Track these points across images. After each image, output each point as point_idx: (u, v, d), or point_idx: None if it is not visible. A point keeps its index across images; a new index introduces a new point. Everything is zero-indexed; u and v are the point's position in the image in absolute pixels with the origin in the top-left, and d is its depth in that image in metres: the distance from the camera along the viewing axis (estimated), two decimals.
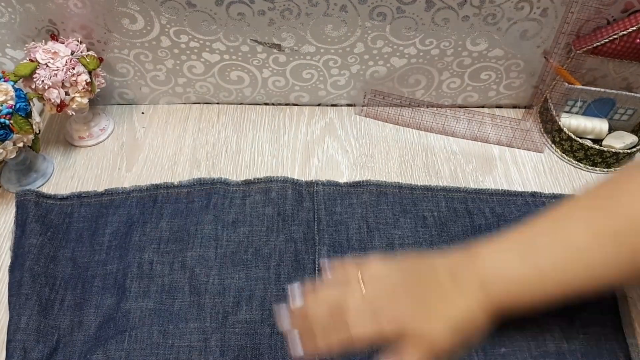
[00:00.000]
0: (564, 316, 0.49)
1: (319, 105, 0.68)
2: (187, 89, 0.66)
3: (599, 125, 0.62)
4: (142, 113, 0.67)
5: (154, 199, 0.56)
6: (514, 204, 0.56)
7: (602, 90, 0.60)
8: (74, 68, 0.55)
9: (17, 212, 0.54)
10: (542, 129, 0.65)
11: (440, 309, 0.38)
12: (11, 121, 0.50)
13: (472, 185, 0.59)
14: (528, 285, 0.39)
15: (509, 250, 0.40)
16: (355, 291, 0.38)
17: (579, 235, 0.39)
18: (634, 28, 0.55)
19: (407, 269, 0.40)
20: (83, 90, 0.57)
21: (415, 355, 0.36)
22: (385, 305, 0.37)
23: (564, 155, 0.62)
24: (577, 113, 0.63)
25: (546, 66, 0.63)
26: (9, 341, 0.46)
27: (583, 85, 0.61)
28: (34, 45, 0.55)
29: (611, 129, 0.62)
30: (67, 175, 0.60)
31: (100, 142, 0.63)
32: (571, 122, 0.62)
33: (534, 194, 0.57)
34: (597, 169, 0.61)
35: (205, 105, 0.68)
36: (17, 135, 0.51)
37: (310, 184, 0.57)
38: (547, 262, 0.38)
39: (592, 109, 0.62)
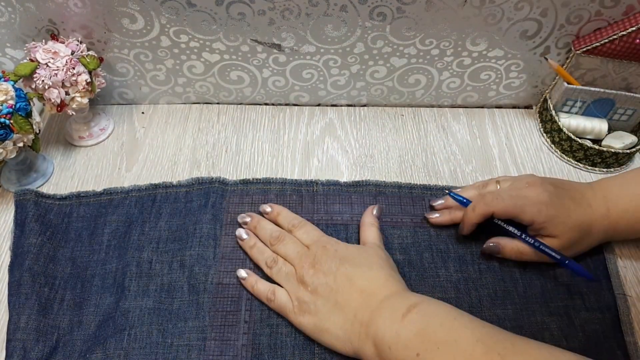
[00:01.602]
0: (563, 315, 0.49)
1: (318, 105, 0.68)
2: (187, 89, 0.66)
3: (598, 125, 0.62)
4: (142, 113, 0.67)
5: (152, 199, 0.56)
6: None
7: (602, 90, 0.60)
8: (74, 68, 0.55)
9: (16, 211, 0.54)
10: (541, 129, 0.65)
11: (571, 207, 0.48)
12: (11, 121, 0.50)
13: None
14: None
15: (632, 178, 0.50)
16: (494, 186, 0.53)
17: None
18: (634, 28, 0.55)
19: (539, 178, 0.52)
20: (83, 90, 0.57)
21: (543, 240, 0.48)
22: (522, 193, 0.49)
23: (564, 156, 0.62)
24: (576, 113, 0.63)
25: (546, 66, 0.63)
26: (8, 340, 0.46)
27: (583, 85, 0.61)
28: (34, 45, 0.55)
29: (611, 129, 0.62)
30: (67, 175, 0.60)
31: (100, 142, 0.63)
32: (570, 122, 0.62)
33: None
34: (596, 169, 0.61)
35: (205, 105, 0.68)
36: (17, 135, 0.51)
37: (309, 183, 0.57)
38: None
39: (591, 109, 0.62)
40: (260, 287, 0.48)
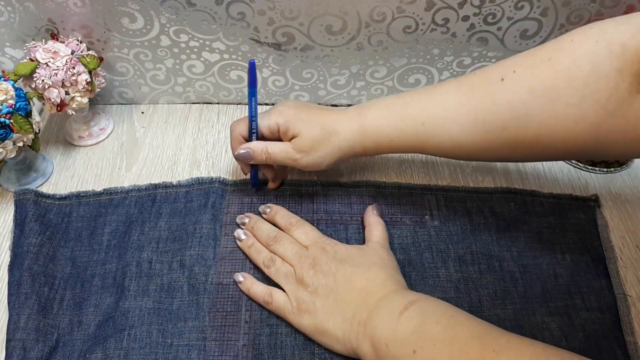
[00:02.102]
0: (563, 315, 0.49)
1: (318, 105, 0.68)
2: (187, 89, 0.66)
3: None
4: (142, 113, 0.67)
5: (152, 199, 0.56)
6: (513, 203, 0.56)
7: None
8: (74, 67, 0.55)
9: (16, 211, 0.54)
10: None
11: (317, 110, 0.50)
12: (11, 120, 0.50)
13: (472, 185, 0.59)
14: (391, 121, 0.48)
15: (390, 98, 0.50)
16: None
17: (449, 101, 0.46)
18: None
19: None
20: (83, 90, 0.57)
21: (286, 146, 0.49)
22: (280, 109, 0.50)
23: None
24: None
25: None
26: (8, 340, 0.46)
27: None
28: (34, 44, 0.55)
29: None
30: (66, 175, 0.60)
31: (100, 141, 0.63)
32: None
33: (532, 193, 0.57)
34: (596, 168, 0.61)
35: (205, 105, 0.68)
36: (17, 134, 0.51)
37: (309, 183, 0.57)
38: (412, 112, 0.47)
39: None
40: (256, 289, 0.48)
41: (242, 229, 0.53)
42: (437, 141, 0.47)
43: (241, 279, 0.49)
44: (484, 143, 0.45)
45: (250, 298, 0.49)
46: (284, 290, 0.47)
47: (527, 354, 0.35)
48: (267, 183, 0.56)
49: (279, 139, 0.50)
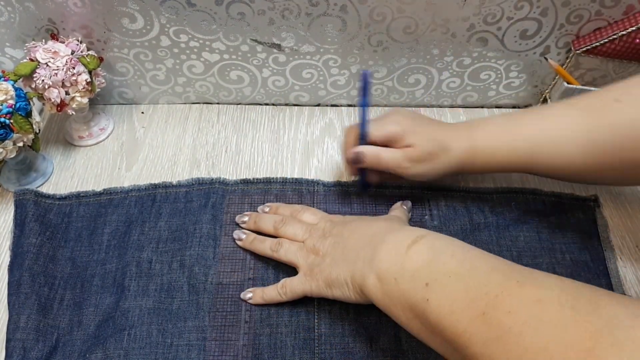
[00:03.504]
0: None
1: (318, 105, 0.68)
2: (187, 89, 0.66)
3: None
4: (142, 113, 0.67)
5: (152, 199, 0.56)
6: (513, 202, 0.56)
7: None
8: (74, 67, 0.55)
9: (16, 211, 0.54)
10: None
11: (432, 124, 0.52)
12: (11, 120, 0.50)
13: (472, 185, 0.59)
14: (504, 141, 0.49)
15: (499, 117, 0.51)
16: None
17: (564, 122, 0.47)
18: (634, 28, 0.55)
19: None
20: (83, 90, 0.57)
21: (397, 154, 0.49)
22: (396, 118, 0.51)
23: None
24: None
25: (546, 66, 0.63)
26: (8, 340, 0.46)
27: (582, 85, 0.61)
28: (34, 44, 0.55)
29: None
30: (66, 175, 0.60)
31: (100, 141, 0.63)
32: None
33: (533, 192, 0.57)
34: None
35: (205, 105, 0.68)
36: (17, 134, 0.51)
37: (310, 183, 0.57)
38: (526, 132, 0.48)
39: None
40: (269, 291, 0.48)
41: (241, 228, 0.53)
42: (550, 161, 0.47)
43: (249, 294, 0.49)
44: (598, 164, 0.45)
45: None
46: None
47: (554, 286, 0.33)
48: (369, 187, 0.57)
49: (387, 146, 0.50)
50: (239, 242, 0.52)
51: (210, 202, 0.55)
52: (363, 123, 0.50)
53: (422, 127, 0.50)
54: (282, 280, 0.48)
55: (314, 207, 0.55)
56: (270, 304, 0.48)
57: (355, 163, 0.51)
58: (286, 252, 0.49)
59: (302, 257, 0.47)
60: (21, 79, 0.54)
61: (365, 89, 0.49)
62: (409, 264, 0.39)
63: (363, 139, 0.51)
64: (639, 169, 0.44)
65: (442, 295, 0.36)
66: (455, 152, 0.49)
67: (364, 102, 0.50)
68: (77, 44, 0.57)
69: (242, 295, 0.49)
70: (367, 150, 0.50)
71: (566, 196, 0.57)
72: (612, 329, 0.28)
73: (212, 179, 0.57)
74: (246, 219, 0.53)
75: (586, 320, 0.29)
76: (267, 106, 0.68)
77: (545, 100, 0.64)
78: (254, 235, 0.52)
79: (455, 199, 0.57)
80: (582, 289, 0.33)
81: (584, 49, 0.58)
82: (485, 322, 0.32)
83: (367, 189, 0.57)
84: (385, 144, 0.50)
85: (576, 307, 0.30)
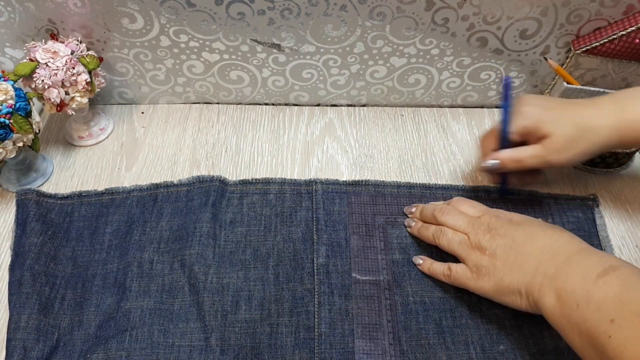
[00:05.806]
0: None
1: (318, 105, 0.68)
2: (187, 89, 0.66)
3: None
4: (142, 113, 0.67)
5: (154, 198, 0.56)
6: (511, 202, 0.56)
7: (602, 90, 0.60)
8: (74, 67, 0.55)
9: (17, 211, 0.54)
10: None
11: (568, 105, 0.48)
12: (11, 121, 0.50)
13: (471, 185, 0.59)
14: None
15: None
16: None
17: None
18: (634, 28, 0.55)
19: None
20: (83, 90, 0.57)
21: (536, 150, 0.47)
22: (524, 110, 0.48)
23: None
24: None
25: (545, 66, 0.63)
26: (9, 340, 0.46)
27: (582, 85, 0.61)
28: (33, 44, 0.55)
29: None
30: (66, 175, 0.60)
31: (100, 141, 0.63)
32: None
33: (531, 192, 0.57)
34: (596, 169, 0.61)
35: (205, 105, 0.68)
36: (17, 134, 0.51)
37: (309, 182, 0.57)
38: None
39: None
40: (436, 267, 0.49)
41: (409, 217, 0.54)
42: None
43: (420, 261, 0.51)
44: None
45: (429, 275, 0.50)
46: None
47: None
48: (510, 193, 0.57)
49: (525, 142, 0.49)
50: (408, 229, 0.54)
51: (210, 201, 0.55)
52: (504, 127, 0.49)
53: (555, 112, 0.47)
54: (448, 263, 0.48)
55: (313, 206, 0.55)
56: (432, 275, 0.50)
57: (494, 171, 0.51)
58: (449, 242, 0.48)
59: (465, 252, 0.47)
60: (21, 79, 0.54)
61: (506, 95, 0.49)
62: (596, 294, 0.37)
63: (505, 142, 0.50)
64: None
65: (629, 335, 0.34)
66: (600, 130, 0.46)
67: (506, 105, 0.49)
68: (77, 44, 0.57)
69: (413, 259, 0.51)
70: (502, 156, 0.49)
71: (565, 196, 0.57)
72: None
73: (213, 177, 0.57)
74: (413, 209, 0.55)
75: None
76: (267, 106, 0.68)
77: None
78: (421, 223, 0.52)
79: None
80: None
81: (584, 48, 0.58)
82: None
83: (510, 195, 0.57)
84: (522, 142, 0.49)
85: None
